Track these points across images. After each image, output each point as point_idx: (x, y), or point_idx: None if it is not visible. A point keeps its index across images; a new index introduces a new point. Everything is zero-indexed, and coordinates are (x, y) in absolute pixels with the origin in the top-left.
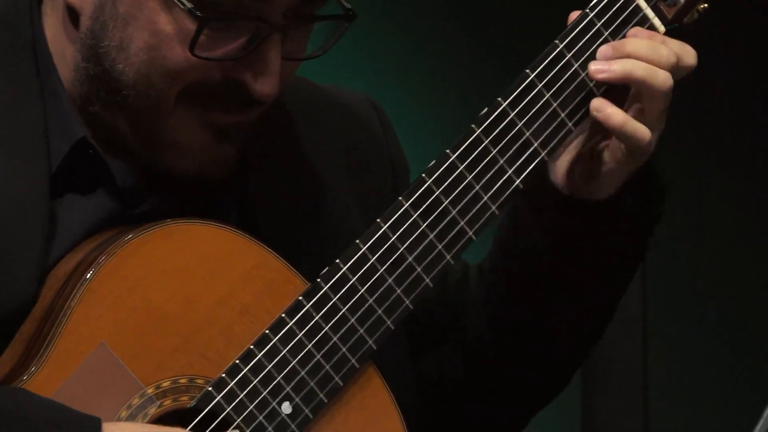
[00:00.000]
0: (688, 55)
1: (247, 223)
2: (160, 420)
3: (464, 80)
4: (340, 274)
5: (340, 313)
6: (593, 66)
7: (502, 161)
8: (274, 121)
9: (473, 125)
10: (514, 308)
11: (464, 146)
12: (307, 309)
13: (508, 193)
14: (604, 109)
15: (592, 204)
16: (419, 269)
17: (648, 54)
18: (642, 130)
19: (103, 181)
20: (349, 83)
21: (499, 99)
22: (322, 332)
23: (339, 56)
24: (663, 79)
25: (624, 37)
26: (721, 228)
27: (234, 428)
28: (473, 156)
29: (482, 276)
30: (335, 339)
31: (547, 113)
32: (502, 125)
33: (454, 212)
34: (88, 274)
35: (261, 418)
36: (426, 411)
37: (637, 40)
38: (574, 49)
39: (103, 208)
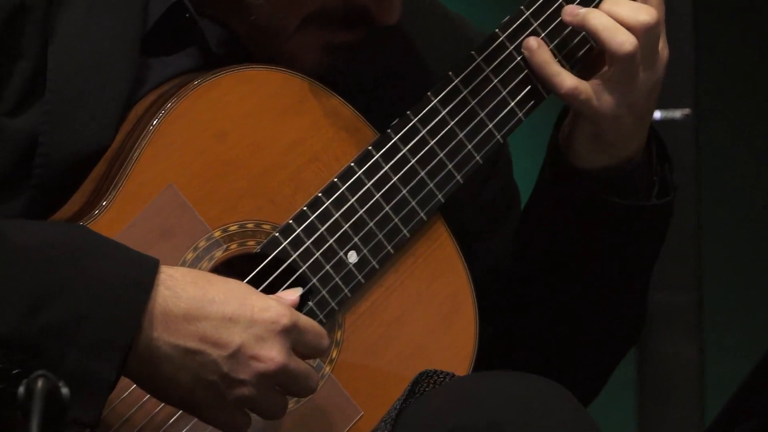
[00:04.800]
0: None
1: None
2: (226, 264)
3: None
4: (410, 125)
5: (409, 165)
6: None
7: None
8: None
9: None
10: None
11: (538, 3)
12: (376, 159)
13: (581, 52)
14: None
15: (579, 170)
16: (491, 125)
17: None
18: (560, 78)
19: (197, 44)
20: None
21: None
22: (391, 183)
23: None
24: (621, 40)
25: None
26: None
27: (299, 274)
28: (547, 14)
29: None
30: (404, 191)
31: None
32: None
33: (527, 70)
34: (157, 118)
35: (327, 267)
36: None
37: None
38: None
39: (193, 68)
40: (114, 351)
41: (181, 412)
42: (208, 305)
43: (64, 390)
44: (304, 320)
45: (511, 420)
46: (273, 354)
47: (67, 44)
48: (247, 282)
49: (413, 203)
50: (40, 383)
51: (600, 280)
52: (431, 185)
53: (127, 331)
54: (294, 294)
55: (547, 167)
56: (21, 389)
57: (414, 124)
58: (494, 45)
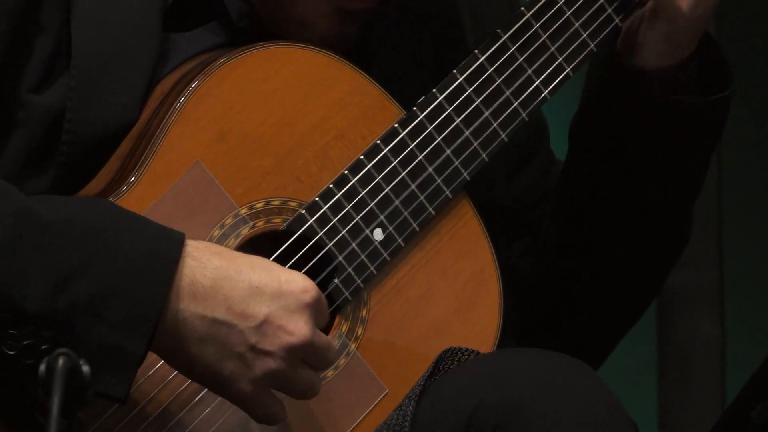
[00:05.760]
0: None
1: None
2: (253, 241)
3: None
4: (436, 103)
5: (435, 143)
6: None
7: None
8: None
9: None
10: (578, 196)
11: None
12: (402, 137)
13: (606, 31)
14: None
15: (639, 72)
16: (516, 103)
17: None
18: None
19: (218, 17)
20: None
21: None
22: (417, 161)
23: None
24: None
25: None
26: None
27: (325, 252)
28: None
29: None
30: (430, 169)
31: None
32: None
33: (552, 48)
34: (184, 95)
35: (353, 244)
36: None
37: None
38: None
39: (216, 43)
40: (142, 325)
41: (207, 389)
42: (235, 275)
43: (85, 368)
44: (320, 292)
45: (536, 398)
46: (300, 326)
47: (90, 18)
48: (274, 259)
49: (439, 181)
50: (61, 361)
51: (655, 184)
52: (457, 163)
53: (154, 304)
54: None
55: (601, 73)
56: (42, 367)
57: (440, 101)
58: (520, 23)
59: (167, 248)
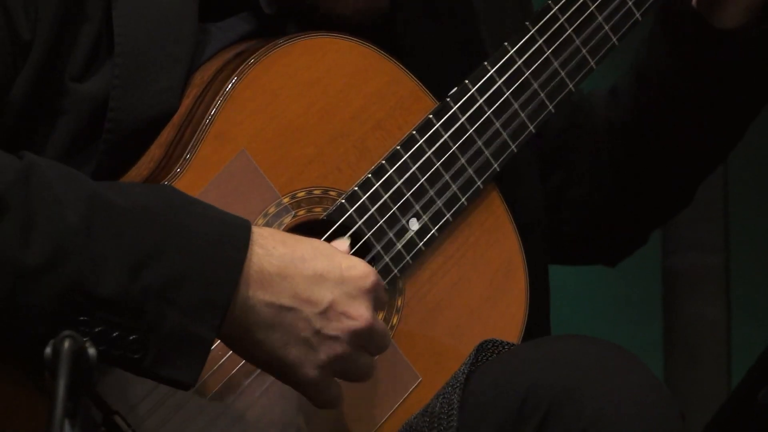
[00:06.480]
0: None
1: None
2: (294, 230)
3: None
4: (468, 95)
5: (468, 134)
6: None
7: None
8: None
9: None
10: (645, 132)
11: None
12: (437, 128)
13: (628, 25)
14: None
15: (721, 31)
16: (542, 95)
17: None
18: None
19: (248, 8)
20: None
21: None
22: (450, 152)
23: None
24: None
25: None
26: None
27: (364, 242)
28: None
29: (615, 99)
30: (462, 160)
31: None
32: None
33: (577, 41)
34: (230, 84)
35: (390, 234)
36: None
37: None
38: None
39: (248, 31)
40: (213, 311)
41: (258, 371)
42: (299, 263)
43: (91, 350)
44: (379, 277)
45: (589, 381)
46: (362, 311)
47: (131, 7)
48: None
49: (470, 171)
50: (66, 344)
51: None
52: (487, 154)
53: (226, 290)
54: (344, 243)
55: (679, 31)
56: (48, 350)
57: (472, 93)
58: (547, 17)
59: (235, 235)
